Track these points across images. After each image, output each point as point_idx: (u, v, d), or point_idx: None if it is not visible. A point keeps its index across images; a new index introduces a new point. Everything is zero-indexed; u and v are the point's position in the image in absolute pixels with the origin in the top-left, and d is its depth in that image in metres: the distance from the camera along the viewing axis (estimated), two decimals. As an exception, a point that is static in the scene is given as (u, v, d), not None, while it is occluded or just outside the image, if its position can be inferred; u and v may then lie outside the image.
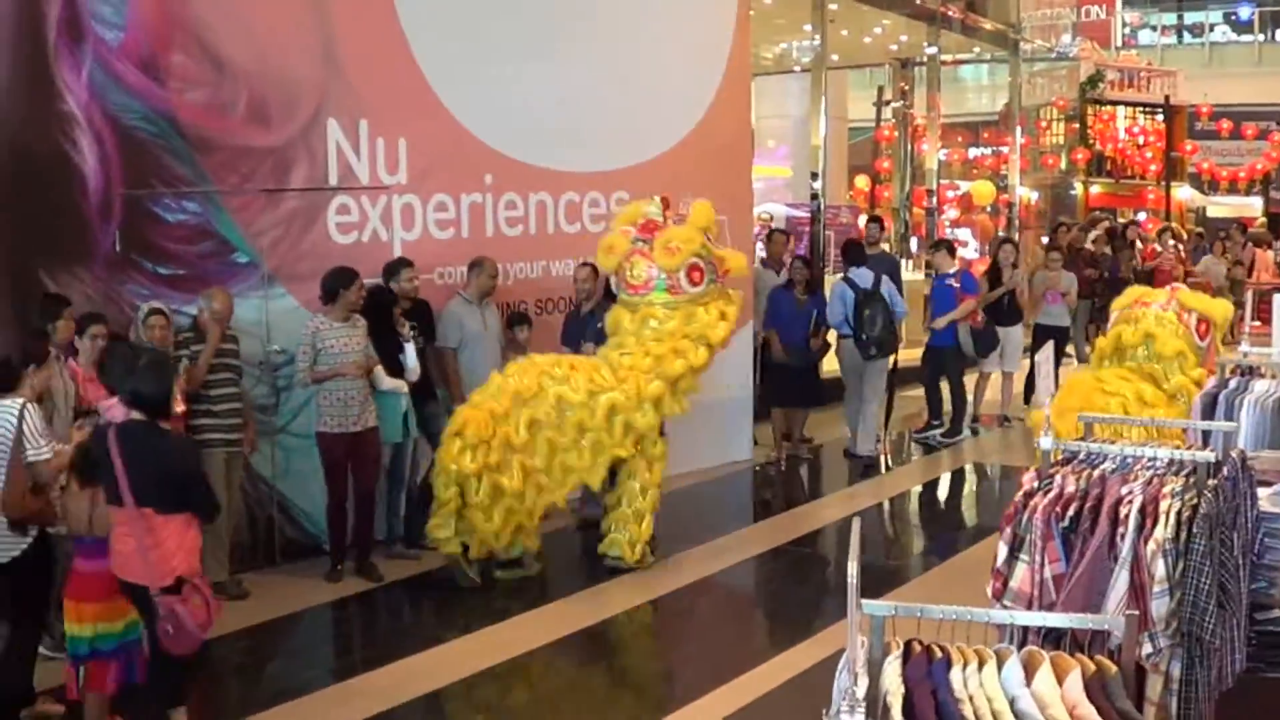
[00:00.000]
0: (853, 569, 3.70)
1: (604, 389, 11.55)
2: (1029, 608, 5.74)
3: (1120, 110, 39.40)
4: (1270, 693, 6.65)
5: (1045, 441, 6.07)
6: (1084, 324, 24.45)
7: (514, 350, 12.68)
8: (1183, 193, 40.63)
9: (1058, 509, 5.79)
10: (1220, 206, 42.39)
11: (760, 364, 16.65)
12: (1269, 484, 7.10)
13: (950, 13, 26.00)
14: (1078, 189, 38.52)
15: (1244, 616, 6.18)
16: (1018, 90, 30.34)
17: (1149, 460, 6.11)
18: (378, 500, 11.81)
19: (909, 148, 31.01)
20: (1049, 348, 6.68)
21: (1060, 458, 6.29)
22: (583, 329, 13.12)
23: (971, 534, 13.85)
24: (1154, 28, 53.51)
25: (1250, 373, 9.12)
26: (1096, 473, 5.98)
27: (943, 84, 29.72)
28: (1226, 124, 40.42)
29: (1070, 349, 21.88)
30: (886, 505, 14.83)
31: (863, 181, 35.72)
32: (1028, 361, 19.22)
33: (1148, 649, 5.62)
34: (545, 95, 13.67)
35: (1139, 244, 28.24)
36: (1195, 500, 5.68)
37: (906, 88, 31.47)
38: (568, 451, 11.51)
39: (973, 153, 38.91)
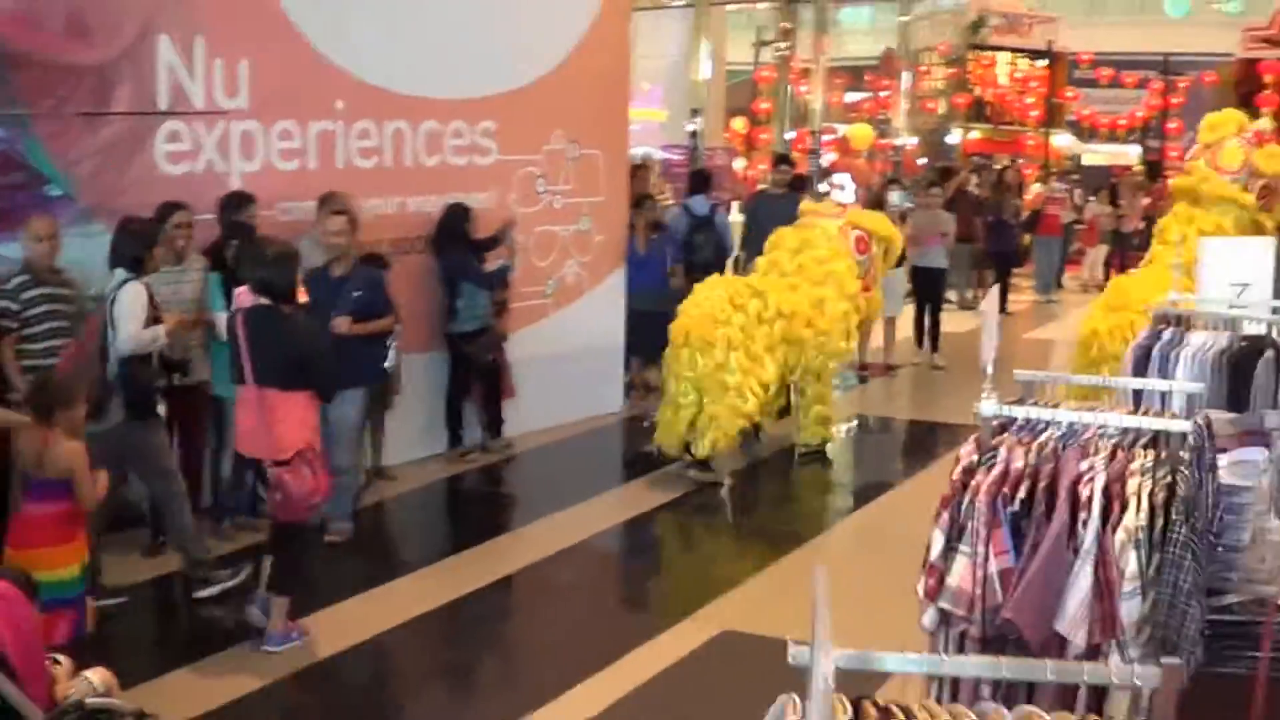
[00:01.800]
0: (820, 634, 2.62)
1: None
2: (970, 609, 4.75)
3: (1002, 56, 38.71)
4: (1226, 691, 5.72)
5: (986, 406, 5.05)
6: (968, 269, 23.93)
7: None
8: (1061, 140, 40.15)
9: (1005, 490, 4.78)
10: (1097, 154, 41.96)
11: None
12: (1223, 450, 6.18)
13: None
14: (956, 135, 37.85)
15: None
16: (906, 30, 29.54)
17: (1098, 428, 5.12)
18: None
19: (789, 90, 30.13)
20: (994, 298, 5.54)
21: (997, 424, 5.27)
22: (333, 297, 10.79)
23: (864, 493, 13.01)
24: (1036, -26, 52.97)
25: (1180, 323, 8.24)
26: (1049, 445, 4.96)
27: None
28: (1107, 72, 39.88)
29: (952, 295, 21.22)
30: (770, 461, 13.80)
31: (740, 124, 34.80)
32: (910, 307, 18.53)
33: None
34: (404, 14, 12.46)
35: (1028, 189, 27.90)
36: (1169, 479, 4.70)
37: (789, 27, 30.54)
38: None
39: (852, 97, 38.12)
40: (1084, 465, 4.78)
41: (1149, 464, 4.77)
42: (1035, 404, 5.46)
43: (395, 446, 12.40)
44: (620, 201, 15.04)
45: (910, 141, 35.22)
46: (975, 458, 4.97)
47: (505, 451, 13.36)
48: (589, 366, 14.62)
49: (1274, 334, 7.77)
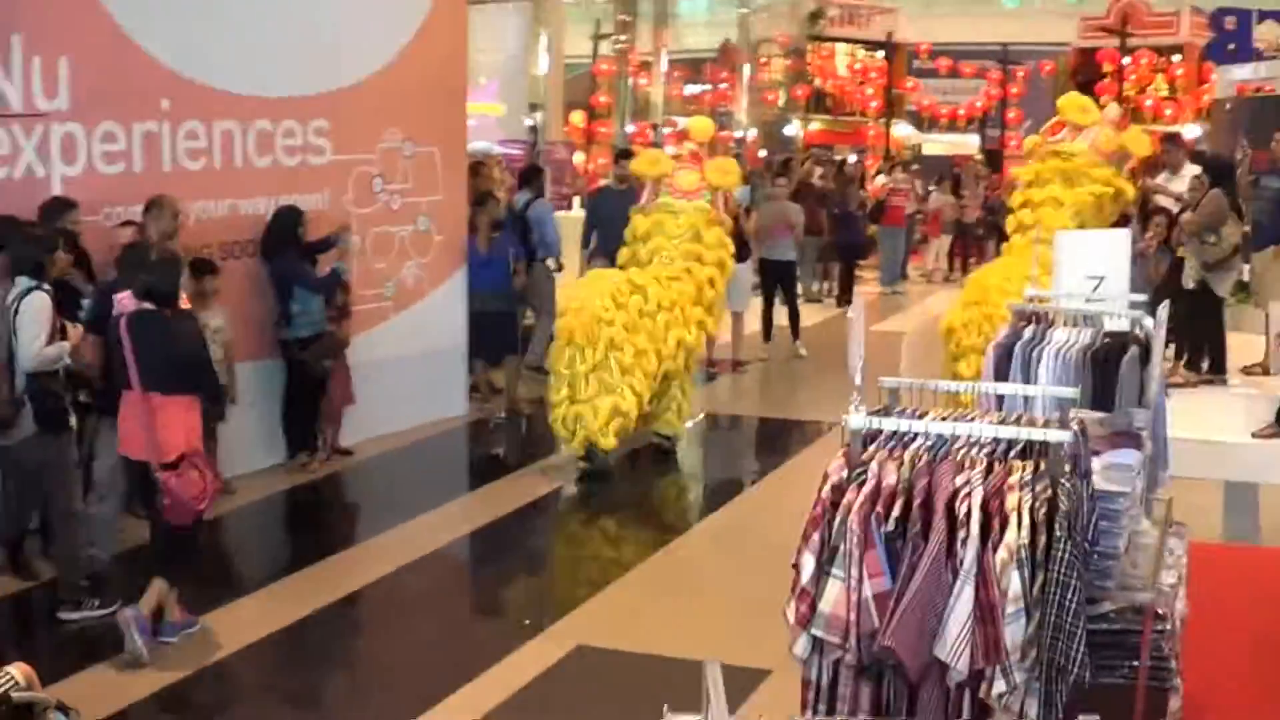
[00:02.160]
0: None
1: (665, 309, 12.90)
2: (845, 636, 4.45)
3: (841, 47, 38.85)
4: (1105, 702, 5.51)
5: (854, 419, 4.74)
6: (813, 261, 23.84)
7: (199, 304, 10.99)
8: (901, 130, 40.37)
9: (878, 508, 4.48)
10: (936, 144, 42.26)
11: None
12: (1095, 453, 5.96)
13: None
14: (796, 126, 37.89)
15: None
16: (745, 22, 29.45)
17: (968, 439, 4.83)
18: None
19: (629, 83, 29.90)
20: (859, 306, 5.21)
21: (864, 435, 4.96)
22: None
23: (718, 495, 12.84)
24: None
25: (1040, 319, 8.04)
26: (922, 459, 4.67)
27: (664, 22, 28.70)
28: (945, 62, 40.14)
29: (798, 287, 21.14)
30: (619, 463, 13.38)
31: (579, 118, 34.55)
32: (759, 300, 18.35)
33: (1000, 686, 4.37)
34: (232, 9, 11.95)
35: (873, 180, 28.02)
36: (1050, 492, 4.44)
37: (627, 20, 30.30)
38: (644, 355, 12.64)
39: (691, 89, 38.01)
40: (960, 480, 4.50)
41: (1028, 477, 4.49)
42: (903, 411, 5.19)
43: (232, 458, 11.82)
44: (459, 200, 14.64)
45: (751, 133, 35.16)
46: (844, 474, 4.67)
47: (347, 460, 12.90)
48: (432, 369, 14.20)
49: (1136, 329, 7.59)
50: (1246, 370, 13.87)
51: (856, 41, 38.98)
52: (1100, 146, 13.43)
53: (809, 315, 20.43)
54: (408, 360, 13.71)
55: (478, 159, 17.41)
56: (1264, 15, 24.36)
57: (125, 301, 8.56)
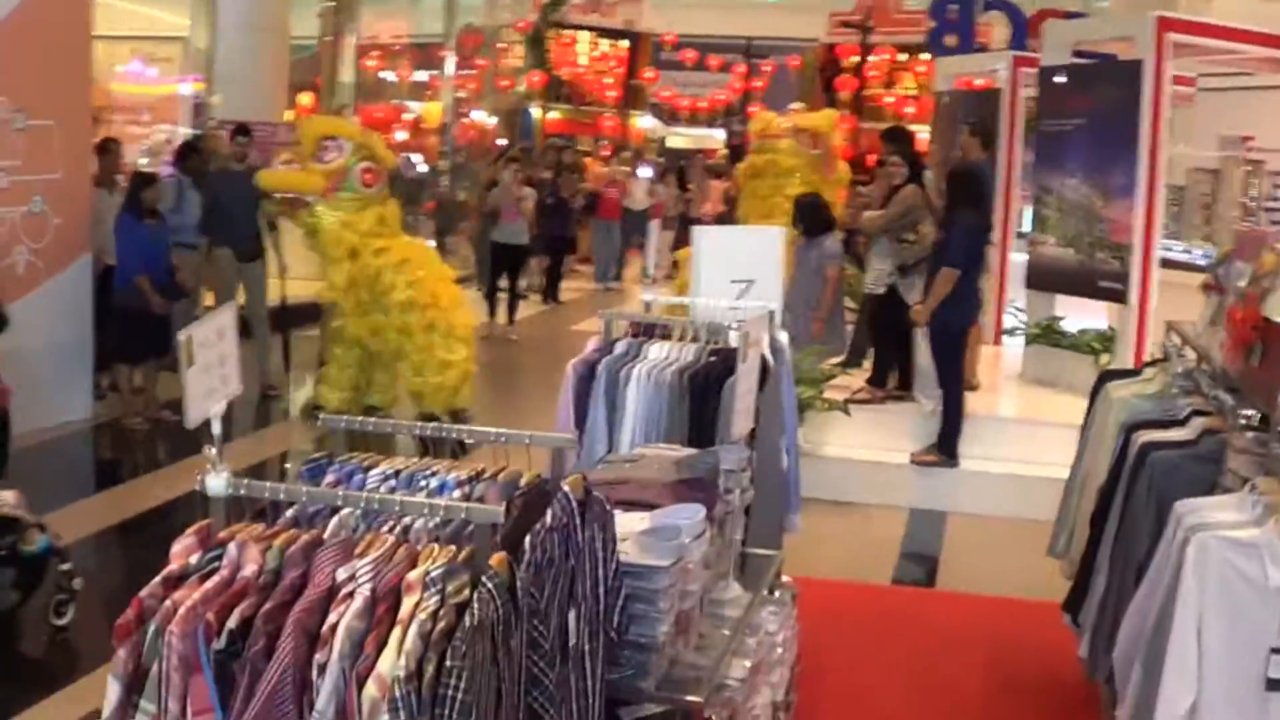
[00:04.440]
0: None
1: None
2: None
3: (582, 35, 37.71)
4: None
5: (213, 482, 3.41)
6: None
7: None
8: (644, 121, 39.38)
9: (211, 614, 3.14)
10: (681, 137, 41.38)
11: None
12: (644, 506, 4.75)
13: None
14: (535, 114, 36.67)
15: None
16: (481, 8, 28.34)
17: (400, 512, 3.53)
18: None
19: (340, 64, 28.56)
20: (211, 327, 3.73)
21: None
22: None
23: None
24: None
25: (650, 331, 6.86)
26: (300, 539, 3.34)
27: (395, 4, 27.40)
28: (691, 54, 39.15)
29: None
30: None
31: (307, 99, 32.90)
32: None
33: None
34: None
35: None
36: (463, 596, 3.16)
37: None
38: None
39: (427, 74, 36.59)
40: (343, 573, 3.18)
41: (437, 571, 3.18)
42: (350, 460, 3.92)
43: None
44: (82, 180, 13.02)
45: (490, 120, 34.03)
46: (196, 558, 3.33)
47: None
48: (48, 367, 12.62)
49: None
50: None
51: (598, 30, 37.86)
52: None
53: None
54: (18, 356, 12.16)
55: (112, 136, 15.78)
56: (989, 5, 22.98)
57: None
